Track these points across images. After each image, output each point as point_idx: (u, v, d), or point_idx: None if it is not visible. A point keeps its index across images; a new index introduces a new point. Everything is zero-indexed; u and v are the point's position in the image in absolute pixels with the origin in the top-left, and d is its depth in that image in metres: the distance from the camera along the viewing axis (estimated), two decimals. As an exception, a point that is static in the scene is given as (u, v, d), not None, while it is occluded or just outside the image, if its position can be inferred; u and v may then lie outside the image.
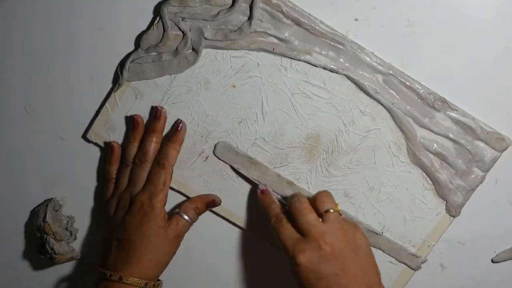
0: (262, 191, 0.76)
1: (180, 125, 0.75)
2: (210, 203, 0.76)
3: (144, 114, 0.76)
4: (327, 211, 0.71)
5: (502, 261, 0.79)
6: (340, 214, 0.72)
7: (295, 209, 0.72)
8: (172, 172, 0.74)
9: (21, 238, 0.82)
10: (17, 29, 0.76)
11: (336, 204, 0.73)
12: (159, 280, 0.74)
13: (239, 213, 0.78)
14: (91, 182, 0.80)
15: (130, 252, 0.72)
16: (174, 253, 0.75)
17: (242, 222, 0.78)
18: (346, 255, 0.69)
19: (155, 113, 0.75)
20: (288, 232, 0.71)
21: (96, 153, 0.79)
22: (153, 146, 0.75)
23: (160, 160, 0.74)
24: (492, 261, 0.79)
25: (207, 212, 0.78)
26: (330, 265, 0.69)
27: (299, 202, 0.72)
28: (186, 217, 0.75)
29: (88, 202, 0.80)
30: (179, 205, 0.77)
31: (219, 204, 0.77)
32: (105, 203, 0.77)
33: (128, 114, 0.76)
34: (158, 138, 0.75)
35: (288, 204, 0.74)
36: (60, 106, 0.78)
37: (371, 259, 0.71)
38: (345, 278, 0.69)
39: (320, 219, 0.71)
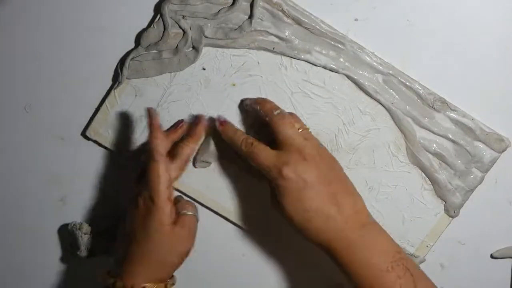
0: (222, 123, 0.73)
1: (182, 124, 0.75)
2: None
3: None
4: (300, 128, 0.70)
5: (501, 258, 0.79)
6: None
7: (278, 123, 0.70)
8: (168, 163, 0.71)
9: (19, 238, 0.82)
10: (17, 28, 0.76)
11: (305, 125, 0.72)
12: (172, 276, 0.72)
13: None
14: (91, 182, 0.80)
15: (138, 252, 0.69)
16: (187, 253, 0.71)
17: (241, 221, 0.78)
18: (328, 167, 0.70)
19: (177, 124, 0.75)
20: (264, 152, 0.70)
21: (96, 152, 0.78)
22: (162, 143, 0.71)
23: (150, 152, 0.70)
24: (492, 256, 0.79)
25: (207, 212, 0.77)
26: (315, 172, 0.68)
27: (282, 116, 0.70)
28: (190, 212, 0.72)
29: (88, 202, 0.80)
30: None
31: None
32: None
33: (128, 112, 0.76)
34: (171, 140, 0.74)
35: (266, 116, 0.71)
36: (60, 104, 0.78)
37: (347, 178, 0.71)
38: (330, 187, 0.68)
39: None
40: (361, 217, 0.69)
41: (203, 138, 0.75)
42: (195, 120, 0.75)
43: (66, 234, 0.80)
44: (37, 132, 0.79)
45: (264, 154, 0.70)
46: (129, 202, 0.72)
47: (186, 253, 0.71)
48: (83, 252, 0.78)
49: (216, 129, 0.74)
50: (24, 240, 0.81)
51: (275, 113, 0.71)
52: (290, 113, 0.72)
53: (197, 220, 0.73)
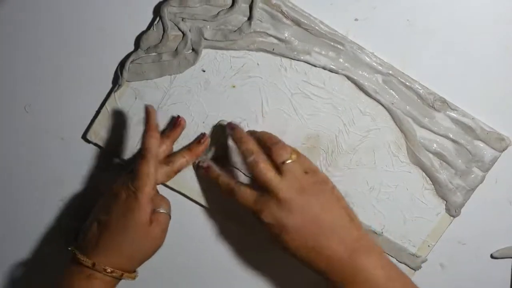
0: (206, 169, 0.75)
1: (179, 120, 0.75)
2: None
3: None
4: (283, 162, 0.70)
5: (501, 258, 0.79)
6: (298, 157, 0.71)
7: (253, 170, 0.70)
8: (158, 166, 0.72)
9: (19, 238, 0.82)
10: (17, 29, 0.76)
11: (292, 151, 0.71)
12: (134, 271, 0.73)
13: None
14: (91, 182, 0.80)
15: (109, 240, 0.70)
16: (156, 251, 0.73)
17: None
18: (309, 204, 0.69)
19: (175, 121, 0.75)
20: (244, 195, 0.71)
21: (96, 153, 0.79)
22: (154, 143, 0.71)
23: (142, 152, 0.71)
24: (492, 256, 0.79)
25: (186, 206, 0.78)
26: (293, 217, 0.68)
27: (255, 163, 0.70)
28: (163, 210, 0.72)
29: (88, 202, 0.80)
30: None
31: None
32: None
33: (128, 115, 0.76)
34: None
35: (244, 162, 0.72)
36: (60, 106, 0.78)
37: (337, 200, 0.71)
38: (312, 226, 0.68)
39: (278, 173, 0.70)
40: (350, 246, 0.69)
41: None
42: (199, 138, 0.76)
43: (67, 232, 0.80)
44: (37, 132, 0.79)
45: (245, 197, 0.71)
46: (110, 189, 0.72)
47: (155, 251, 0.72)
48: None
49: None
50: (24, 239, 0.82)
51: (249, 160, 0.70)
52: (276, 143, 0.72)
53: (169, 218, 0.73)
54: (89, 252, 0.71)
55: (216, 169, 0.75)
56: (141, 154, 0.70)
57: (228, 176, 0.74)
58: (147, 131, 0.71)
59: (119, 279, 0.71)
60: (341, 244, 0.68)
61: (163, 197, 0.74)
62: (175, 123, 0.76)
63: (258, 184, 0.70)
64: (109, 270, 0.70)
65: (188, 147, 0.76)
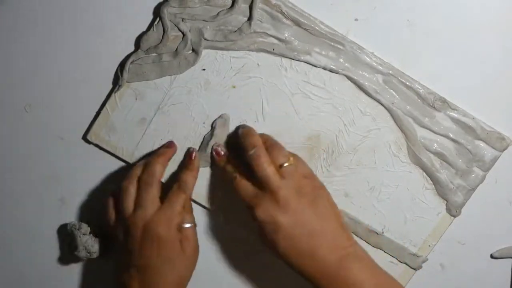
0: (219, 155, 0.75)
1: (194, 154, 0.75)
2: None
3: (144, 116, 0.76)
4: (281, 165, 0.70)
5: (501, 258, 0.79)
6: (296, 161, 0.72)
7: (254, 163, 0.71)
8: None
9: (19, 237, 0.82)
10: (17, 29, 0.76)
11: (289, 156, 0.72)
12: None
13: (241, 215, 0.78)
14: (91, 182, 0.80)
15: (154, 278, 0.71)
16: (195, 266, 0.74)
17: (243, 224, 0.78)
18: (304, 208, 0.69)
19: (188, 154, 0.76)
20: (244, 187, 0.71)
21: (96, 153, 0.79)
22: (159, 168, 0.74)
23: (181, 185, 0.74)
24: (492, 256, 0.79)
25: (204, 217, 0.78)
26: (287, 216, 0.68)
27: (257, 156, 0.71)
28: (187, 225, 0.73)
29: (88, 202, 0.80)
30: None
31: (175, 150, 0.76)
32: (109, 226, 0.75)
33: (128, 116, 0.76)
34: (165, 163, 0.75)
35: (246, 156, 0.72)
36: (60, 106, 0.78)
37: (332, 208, 0.71)
38: (304, 229, 0.69)
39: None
40: (340, 253, 0.69)
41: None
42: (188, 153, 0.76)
43: (65, 234, 0.80)
44: (37, 132, 0.79)
45: (243, 190, 0.71)
46: (132, 236, 0.72)
47: (194, 266, 0.74)
48: (81, 252, 0.78)
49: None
50: (23, 239, 0.82)
51: (250, 153, 0.71)
52: (274, 145, 0.73)
53: (195, 227, 0.74)
54: None
55: (227, 159, 0.75)
56: (180, 186, 0.73)
57: (235, 168, 0.74)
58: (189, 171, 0.74)
59: None
60: (332, 250, 0.68)
61: (182, 208, 0.74)
62: (190, 156, 0.76)
63: (257, 178, 0.70)
64: None
65: (187, 167, 0.76)
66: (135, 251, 0.72)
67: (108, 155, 0.78)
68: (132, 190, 0.73)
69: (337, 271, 0.68)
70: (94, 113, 0.77)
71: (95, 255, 0.78)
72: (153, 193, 0.73)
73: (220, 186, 0.77)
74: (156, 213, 0.72)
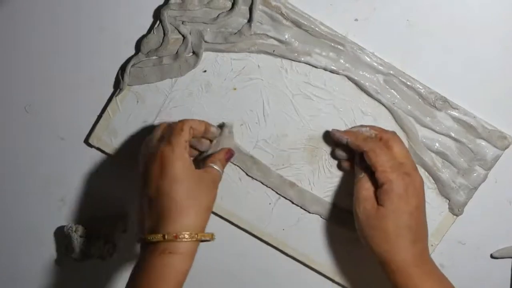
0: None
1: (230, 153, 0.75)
2: (228, 156, 0.74)
3: (145, 118, 0.76)
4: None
5: (501, 258, 0.79)
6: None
7: (372, 160, 0.71)
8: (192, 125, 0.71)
9: (18, 238, 0.82)
10: (18, 31, 0.77)
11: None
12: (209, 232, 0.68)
13: (241, 215, 0.78)
14: (91, 182, 0.80)
15: (166, 204, 0.66)
16: (215, 198, 0.69)
17: (244, 224, 0.78)
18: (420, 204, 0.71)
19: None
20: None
21: (96, 153, 0.79)
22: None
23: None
24: (492, 256, 0.79)
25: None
26: (416, 200, 0.70)
27: (374, 152, 0.71)
28: (216, 167, 0.71)
29: (88, 203, 0.80)
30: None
31: (234, 154, 0.75)
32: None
33: (130, 119, 0.76)
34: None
35: (358, 150, 0.73)
36: (60, 108, 0.78)
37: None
38: (413, 209, 0.70)
39: None
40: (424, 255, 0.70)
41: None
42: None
43: (62, 235, 0.80)
44: (37, 132, 0.79)
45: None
46: (143, 165, 0.70)
47: (212, 201, 0.69)
48: (77, 254, 0.78)
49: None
50: (23, 240, 0.82)
51: (366, 149, 0.71)
52: (392, 133, 0.73)
53: (220, 176, 0.71)
54: (155, 229, 0.66)
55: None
56: (177, 122, 0.70)
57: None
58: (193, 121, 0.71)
59: (199, 240, 0.66)
60: (416, 243, 0.69)
61: (221, 162, 0.72)
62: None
63: (378, 178, 0.70)
64: (184, 235, 0.65)
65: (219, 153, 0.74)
66: (146, 178, 0.68)
67: (109, 157, 0.78)
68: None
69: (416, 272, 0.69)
70: (95, 115, 0.78)
71: (91, 258, 0.79)
72: (185, 137, 0.69)
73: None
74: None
